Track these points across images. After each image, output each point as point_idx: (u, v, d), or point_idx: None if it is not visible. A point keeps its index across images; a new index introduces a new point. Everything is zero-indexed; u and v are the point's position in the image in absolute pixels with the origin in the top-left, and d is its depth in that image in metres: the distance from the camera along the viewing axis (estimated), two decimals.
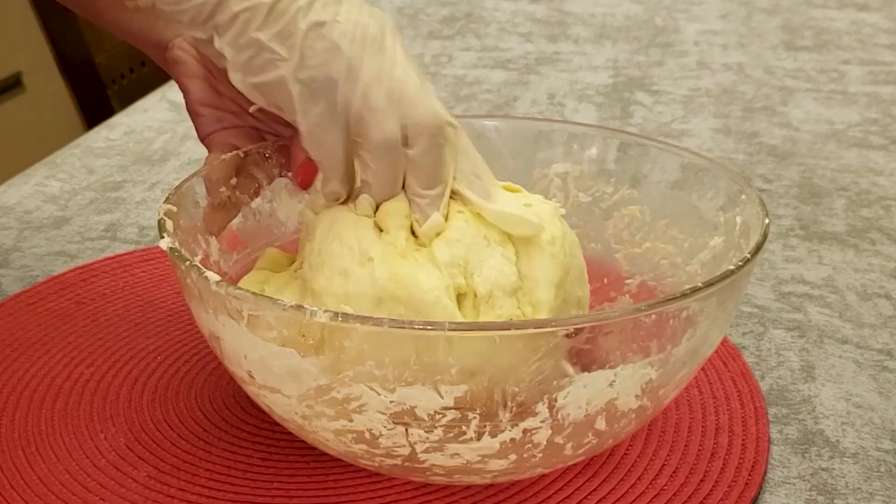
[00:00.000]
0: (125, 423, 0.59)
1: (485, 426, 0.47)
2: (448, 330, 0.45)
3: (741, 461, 0.56)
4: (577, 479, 0.54)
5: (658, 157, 0.64)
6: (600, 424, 0.49)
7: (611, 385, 0.48)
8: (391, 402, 0.46)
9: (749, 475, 0.55)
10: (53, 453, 0.56)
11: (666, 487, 0.54)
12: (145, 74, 1.86)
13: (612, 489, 0.54)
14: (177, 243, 0.51)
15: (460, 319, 0.50)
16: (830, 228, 0.85)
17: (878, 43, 1.37)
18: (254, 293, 0.47)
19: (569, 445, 0.49)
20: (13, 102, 1.68)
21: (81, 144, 1.01)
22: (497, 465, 0.49)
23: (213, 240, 0.59)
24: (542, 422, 0.48)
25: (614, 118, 1.10)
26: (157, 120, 1.08)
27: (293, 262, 0.59)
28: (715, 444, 0.57)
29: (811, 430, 0.59)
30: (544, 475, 0.54)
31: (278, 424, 0.55)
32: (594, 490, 0.53)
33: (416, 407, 0.46)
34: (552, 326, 0.48)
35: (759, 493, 0.54)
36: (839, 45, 1.36)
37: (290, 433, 0.55)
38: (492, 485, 0.53)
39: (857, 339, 0.69)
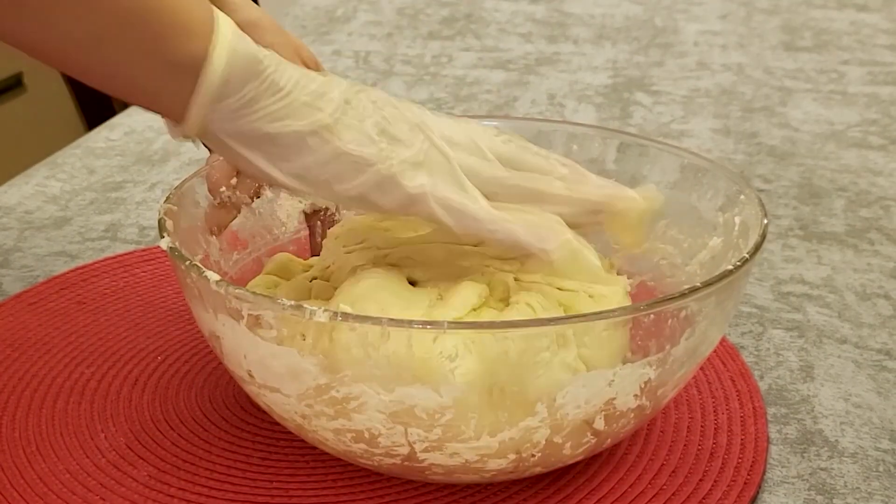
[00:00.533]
0: (125, 423, 0.59)
1: (484, 425, 0.47)
2: (447, 329, 0.46)
3: (740, 461, 0.56)
4: (577, 479, 0.54)
5: (657, 157, 0.64)
6: (599, 424, 0.49)
7: (609, 384, 0.48)
8: (390, 401, 0.47)
9: (748, 475, 0.55)
10: (54, 453, 0.56)
11: (665, 487, 0.54)
12: None
13: (612, 489, 0.54)
14: (177, 243, 0.51)
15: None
16: (829, 228, 0.85)
17: (877, 43, 1.37)
18: (253, 293, 0.47)
19: (568, 445, 0.49)
20: (14, 103, 1.68)
21: (82, 145, 1.01)
22: (496, 464, 0.49)
23: (213, 239, 0.59)
24: (540, 421, 0.48)
25: (614, 118, 1.10)
26: (158, 120, 1.07)
27: (305, 270, 0.59)
28: (714, 443, 0.57)
29: (810, 429, 0.59)
30: (543, 474, 0.54)
31: (278, 424, 0.55)
32: (593, 490, 0.53)
33: (415, 406, 0.47)
34: (552, 325, 0.48)
35: (757, 493, 0.54)
36: (839, 46, 1.36)
37: (290, 433, 0.55)
38: (491, 484, 0.54)
39: (856, 339, 0.69)
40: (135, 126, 1.06)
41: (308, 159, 0.49)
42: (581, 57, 1.31)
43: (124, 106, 1.20)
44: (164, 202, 0.54)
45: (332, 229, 0.61)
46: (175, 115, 0.48)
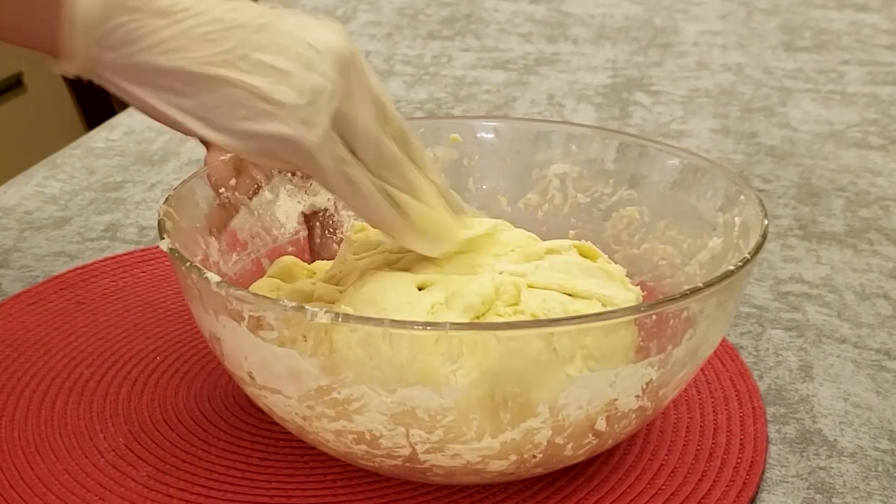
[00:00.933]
0: (125, 423, 0.59)
1: (485, 426, 0.47)
2: (449, 330, 0.46)
3: (739, 460, 0.56)
4: (576, 479, 0.54)
5: (657, 157, 0.64)
6: (601, 425, 0.49)
7: (611, 385, 0.48)
8: (391, 402, 0.47)
9: (747, 474, 0.55)
10: (53, 453, 0.56)
11: (664, 487, 0.54)
12: None
13: (611, 489, 0.54)
14: (177, 244, 0.51)
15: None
16: (829, 228, 0.85)
17: (877, 43, 1.37)
18: (254, 294, 0.47)
19: (569, 446, 0.49)
20: (14, 103, 1.68)
21: (82, 145, 1.01)
22: (497, 465, 0.49)
23: (212, 240, 0.59)
24: (542, 422, 0.48)
25: (613, 119, 1.10)
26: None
27: (309, 274, 0.59)
28: (713, 443, 0.57)
29: (809, 429, 0.59)
30: (544, 475, 0.54)
31: (277, 424, 0.55)
32: (593, 489, 0.53)
33: (416, 407, 0.47)
34: (553, 327, 0.48)
35: (757, 493, 0.54)
36: (838, 46, 1.36)
37: (290, 433, 0.55)
38: (490, 485, 0.53)
39: (856, 339, 0.69)
40: (134, 126, 1.06)
41: (207, 97, 0.44)
42: (581, 57, 1.31)
43: (124, 106, 1.20)
44: (164, 203, 0.54)
45: (347, 234, 0.61)
46: (52, 48, 0.43)
